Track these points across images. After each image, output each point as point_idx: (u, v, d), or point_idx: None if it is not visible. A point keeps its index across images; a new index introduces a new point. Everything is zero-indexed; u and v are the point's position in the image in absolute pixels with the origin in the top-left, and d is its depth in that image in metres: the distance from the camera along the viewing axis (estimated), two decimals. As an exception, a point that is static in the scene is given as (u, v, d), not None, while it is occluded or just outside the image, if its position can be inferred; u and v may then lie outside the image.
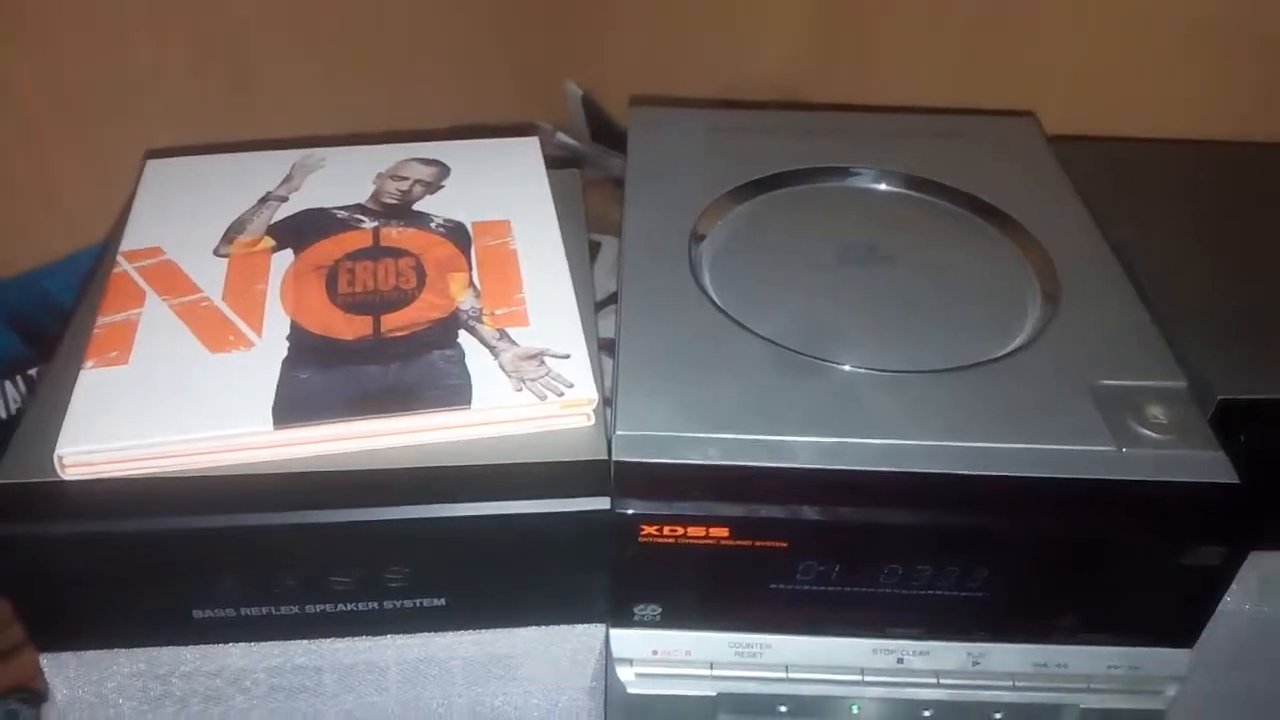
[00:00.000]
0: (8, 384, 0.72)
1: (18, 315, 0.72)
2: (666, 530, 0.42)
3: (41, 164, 0.69)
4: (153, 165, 0.55)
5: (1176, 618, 0.45)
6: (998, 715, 0.47)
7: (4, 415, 0.72)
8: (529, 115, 0.96)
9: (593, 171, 0.92)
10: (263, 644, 0.44)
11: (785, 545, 0.42)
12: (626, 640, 0.46)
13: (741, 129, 0.63)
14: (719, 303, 0.50)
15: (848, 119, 0.65)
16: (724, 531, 0.42)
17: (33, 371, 0.73)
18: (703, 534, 0.42)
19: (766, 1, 0.88)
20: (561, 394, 0.43)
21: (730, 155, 0.60)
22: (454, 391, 0.43)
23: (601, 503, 0.41)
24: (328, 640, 0.44)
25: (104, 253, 0.52)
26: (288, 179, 0.54)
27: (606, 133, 0.98)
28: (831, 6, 0.85)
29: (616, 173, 0.93)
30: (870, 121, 0.65)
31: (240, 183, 0.53)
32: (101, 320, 0.46)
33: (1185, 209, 0.60)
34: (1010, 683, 0.46)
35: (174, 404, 0.42)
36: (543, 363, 0.45)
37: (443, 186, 0.54)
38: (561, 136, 0.97)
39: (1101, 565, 0.44)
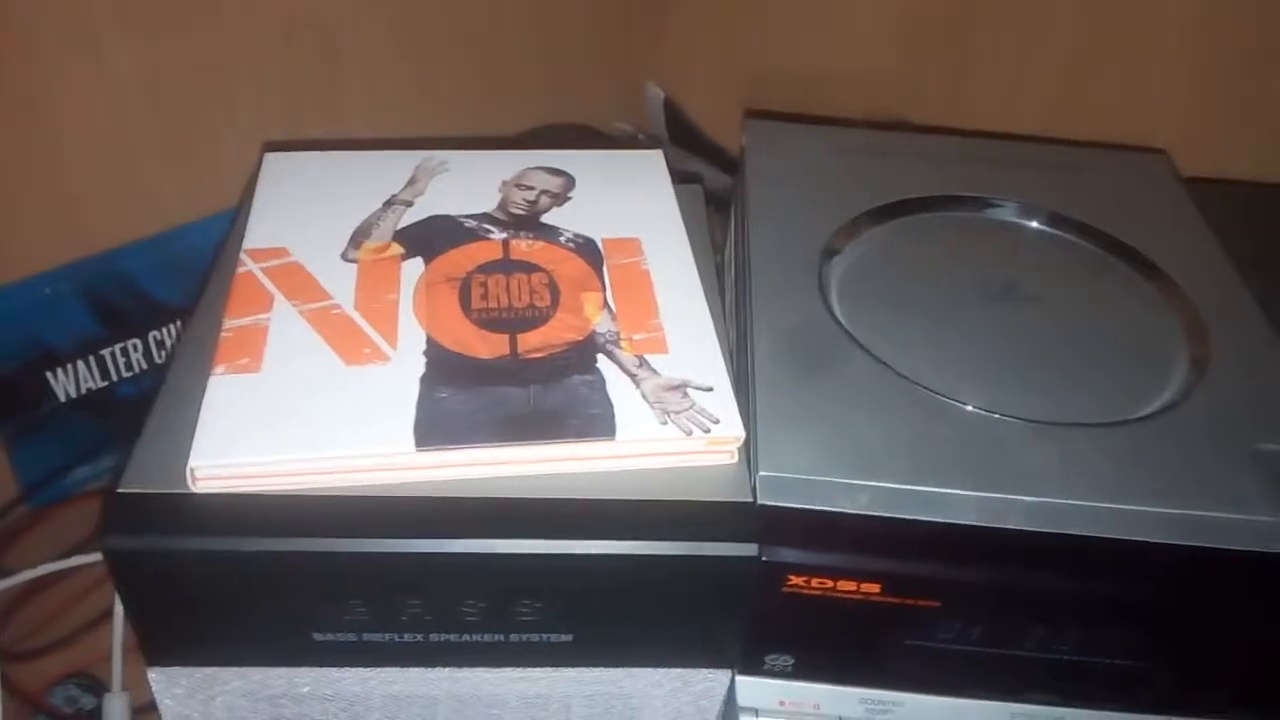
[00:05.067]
0: (80, 364, 0.71)
1: (95, 294, 0.70)
2: (814, 582, 0.40)
3: (129, 142, 0.67)
4: (271, 159, 0.53)
5: (1329, 700, 0.43)
6: (1133, 789, 0.45)
7: (76, 395, 0.71)
8: (607, 116, 0.94)
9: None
10: (381, 670, 0.42)
11: (937, 605, 0.40)
12: (754, 689, 0.44)
13: (860, 149, 0.61)
14: (856, 336, 0.48)
15: (968, 145, 0.63)
16: (875, 587, 0.40)
17: (105, 351, 0.72)
18: (853, 588, 0.40)
19: (856, 12, 0.86)
20: (708, 430, 0.41)
21: (853, 177, 0.58)
22: (597, 421, 0.41)
23: (748, 549, 0.39)
24: (447, 669, 0.43)
25: (223, 248, 0.50)
26: (412, 182, 0.52)
27: (685, 136, 0.96)
28: (924, 21, 0.82)
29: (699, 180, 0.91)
30: (992, 149, 0.63)
31: (361, 183, 0.52)
32: (229, 323, 0.44)
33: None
34: (1150, 756, 0.44)
35: (310, 418, 0.40)
36: (686, 394, 0.43)
37: (569, 198, 0.52)
38: (641, 140, 0.95)
39: (1258, 642, 0.42)
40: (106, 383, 0.73)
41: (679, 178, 0.56)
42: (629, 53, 0.93)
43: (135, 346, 0.73)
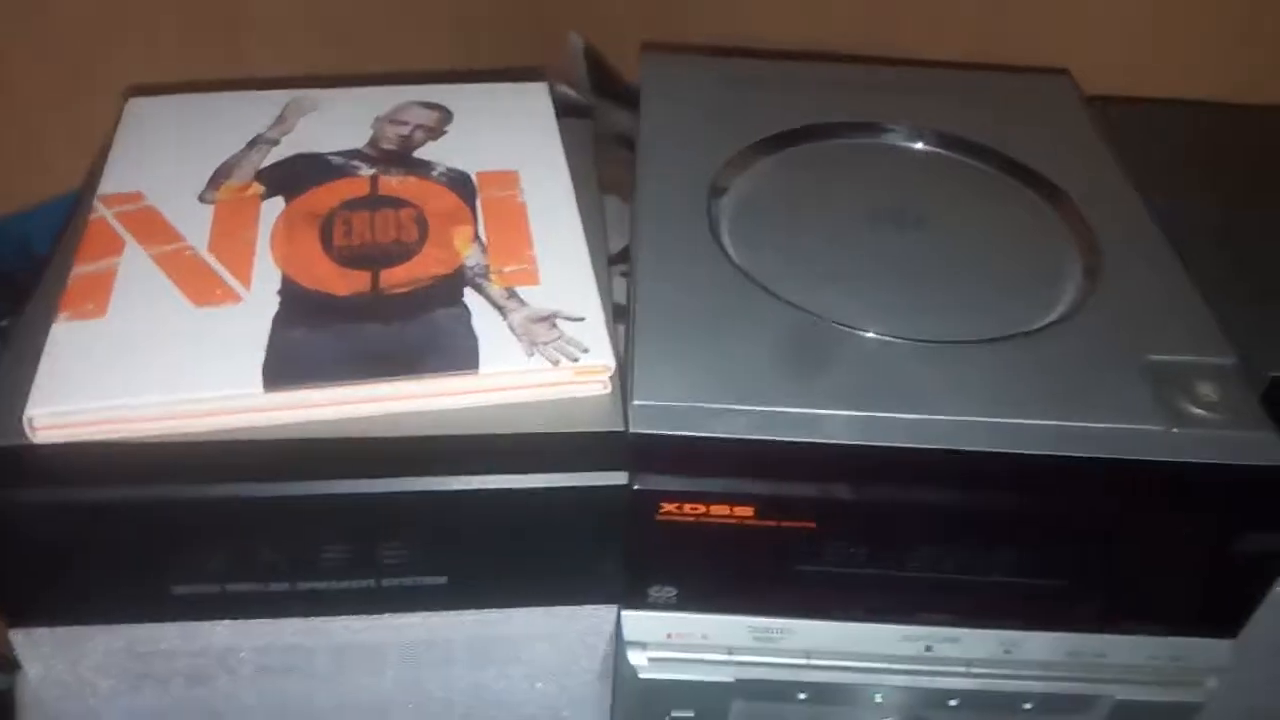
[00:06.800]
0: (-21, 335, 0.69)
1: (-11, 264, 0.68)
2: (687, 508, 0.39)
3: (17, 104, 0.65)
4: (134, 104, 0.51)
5: (1221, 606, 0.43)
6: (1028, 705, 0.45)
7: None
8: (527, 64, 0.92)
9: (595, 126, 0.89)
10: (250, 622, 0.41)
11: (813, 526, 0.40)
12: (639, 623, 0.43)
13: (759, 79, 0.60)
14: (740, 264, 0.47)
15: (870, 73, 0.62)
16: (749, 511, 0.39)
17: (4, 322, 0.70)
18: (726, 513, 0.39)
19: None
20: (576, 359, 0.40)
21: (749, 107, 0.57)
22: (460, 354, 0.40)
23: (618, 478, 0.38)
24: (320, 619, 0.41)
25: (81, 197, 0.48)
26: (279, 121, 0.50)
27: (608, 86, 0.94)
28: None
29: (619, 128, 0.89)
30: (894, 76, 0.61)
31: (228, 124, 0.50)
32: (77, 270, 0.42)
33: (1220, 175, 0.57)
34: (1043, 672, 0.44)
35: (155, 362, 0.38)
36: (555, 325, 0.41)
37: (445, 133, 0.51)
38: (562, 88, 0.93)
39: (1145, 551, 0.41)
40: (8, 355, 0.71)
41: (568, 112, 0.54)
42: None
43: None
